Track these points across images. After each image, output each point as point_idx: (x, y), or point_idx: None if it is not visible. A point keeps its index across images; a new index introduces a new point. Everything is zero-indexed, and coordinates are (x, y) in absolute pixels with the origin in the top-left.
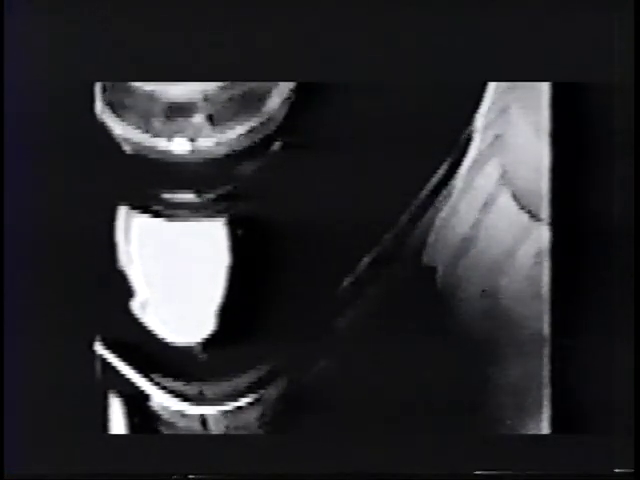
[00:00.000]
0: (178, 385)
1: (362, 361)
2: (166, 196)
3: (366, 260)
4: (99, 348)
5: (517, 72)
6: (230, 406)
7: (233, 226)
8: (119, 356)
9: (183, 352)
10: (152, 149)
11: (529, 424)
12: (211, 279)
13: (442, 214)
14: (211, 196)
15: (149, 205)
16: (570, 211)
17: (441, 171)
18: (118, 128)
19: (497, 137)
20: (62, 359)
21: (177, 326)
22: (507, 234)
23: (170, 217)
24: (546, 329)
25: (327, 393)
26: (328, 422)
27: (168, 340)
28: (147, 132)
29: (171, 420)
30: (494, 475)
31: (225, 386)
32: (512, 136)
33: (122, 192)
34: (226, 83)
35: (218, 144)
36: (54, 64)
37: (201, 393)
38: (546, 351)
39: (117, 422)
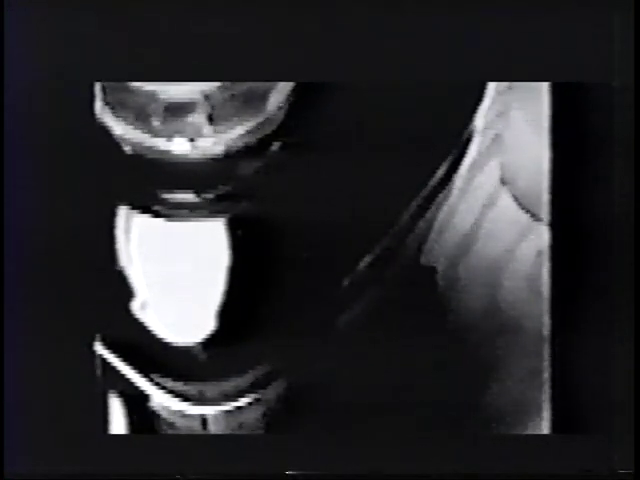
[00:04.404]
0: (178, 385)
1: (362, 361)
2: (166, 196)
3: (366, 260)
4: (99, 348)
5: (517, 72)
6: (230, 406)
7: (233, 226)
8: (119, 356)
9: (183, 352)
10: (152, 149)
11: (529, 424)
12: (211, 279)
13: (442, 214)
14: (211, 196)
15: (149, 205)
16: (570, 211)
17: (441, 171)
18: (118, 128)
19: (497, 137)
20: (62, 359)
21: (177, 326)
22: (507, 234)
23: (170, 217)
24: (546, 329)
25: (327, 393)
26: (328, 422)
27: (168, 340)
28: (147, 132)
29: (171, 420)
30: (494, 475)
31: (225, 386)
32: (512, 136)
33: (122, 192)
34: (226, 83)
35: (218, 144)
36: (54, 64)
37: (201, 393)
38: (546, 351)
39: (117, 422)
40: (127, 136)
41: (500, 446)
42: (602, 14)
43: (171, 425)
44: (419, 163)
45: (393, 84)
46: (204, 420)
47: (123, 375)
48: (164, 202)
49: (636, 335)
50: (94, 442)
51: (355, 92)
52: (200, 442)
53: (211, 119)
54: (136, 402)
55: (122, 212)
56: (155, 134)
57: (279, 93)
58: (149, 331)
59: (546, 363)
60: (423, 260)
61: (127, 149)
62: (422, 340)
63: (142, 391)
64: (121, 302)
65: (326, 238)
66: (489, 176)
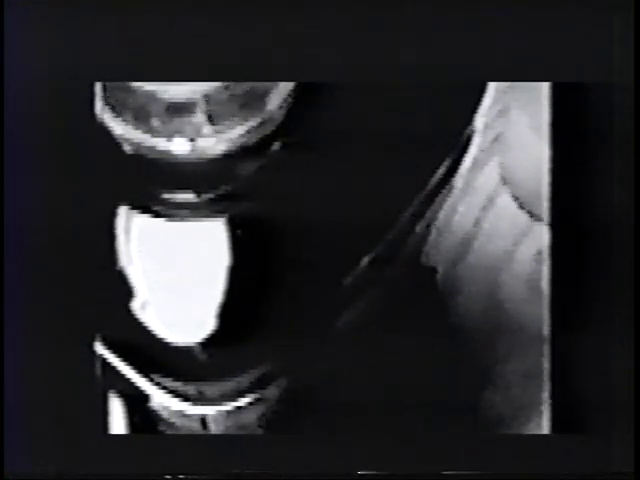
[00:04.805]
0: (178, 385)
1: (362, 361)
2: (166, 196)
3: (366, 260)
4: (99, 348)
5: (517, 72)
6: (230, 406)
7: (233, 226)
8: (119, 356)
9: (183, 352)
10: (152, 149)
11: (529, 424)
12: (211, 279)
13: (442, 214)
14: (211, 196)
15: (149, 205)
16: (570, 211)
17: (441, 171)
18: (118, 128)
19: (497, 137)
20: (62, 359)
21: (177, 326)
22: (507, 234)
23: (170, 217)
24: (546, 329)
25: (327, 393)
26: (328, 422)
27: (168, 340)
28: (147, 132)
29: (171, 420)
30: (494, 475)
31: (225, 386)
32: (512, 136)
33: (122, 192)
34: (226, 83)
35: (218, 144)
36: (54, 64)
37: (201, 393)
38: (546, 351)
39: (117, 422)
40: (127, 136)
41: (500, 446)
42: (602, 14)
43: (171, 425)
44: (419, 163)
45: (393, 84)
46: (204, 420)
47: (123, 375)
48: (164, 202)
49: (636, 335)
50: (94, 442)
51: (355, 92)
52: (200, 442)
53: (211, 119)
54: (136, 402)
55: (122, 212)
56: (155, 134)
57: (279, 93)
58: (149, 331)
59: (546, 363)
60: (423, 260)
61: (127, 149)
62: (422, 340)
63: (142, 391)
64: (121, 302)
65: (326, 238)
66: (489, 176)
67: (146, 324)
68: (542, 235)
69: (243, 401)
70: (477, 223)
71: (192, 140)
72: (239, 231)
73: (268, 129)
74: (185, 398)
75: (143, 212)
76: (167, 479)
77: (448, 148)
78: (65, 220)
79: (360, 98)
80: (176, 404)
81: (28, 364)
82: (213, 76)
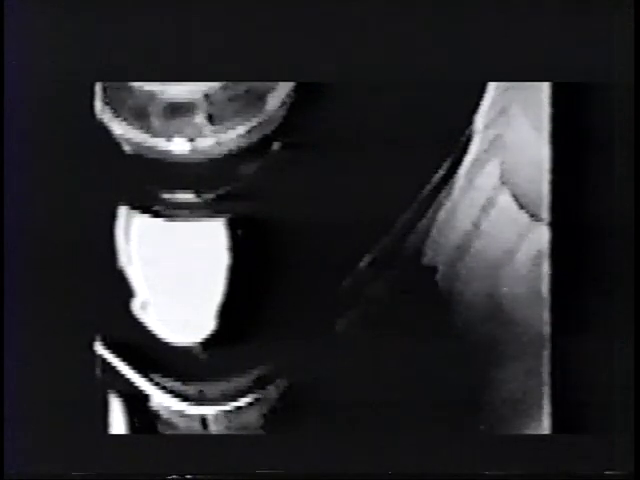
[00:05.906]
0: (178, 385)
1: (362, 361)
2: (166, 196)
3: (366, 260)
4: (99, 348)
5: (517, 72)
6: (230, 406)
7: (233, 226)
8: (119, 356)
9: (183, 352)
10: (152, 149)
11: (529, 424)
12: (211, 279)
13: (442, 214)
14: (211, 196)
15: (149, 205)
16: (570, 211)
17: (441, 171)
18: (118, 128)
19: (497, 137)
20: (62, 359)
21: (177, 326)
22: (507, 234)
23: (170, 217)
24: (546, 329)
25: (327, 393)
26: (328, 422)
27: (168, 340)
28: (147, 132)
29: (171, 420)
30: (494, 475)
31: (225, 386)
32: (512, 136)
33: (122, 192)
34: (226, 83)
35: (218, 144)
36: (54, 64)
37: (201, 393)
38: (546, 351)
39: (117, 422)
40: (127, 136)
41: (500, 446)
42: (602, 14)
43: (171, 425)
44: (419, 163)
45: (393, 84)
46: (204, 420)
47: (123, 375)
48: (164, 202)
49: (636, 335)
50: (94, 442)
51: (355, 92)
52: (200, 442)
53: (211, 119)
54: (136, 402)
55: (122, 212)
56: (155, 134)
57: (279, 93)
58: (149, 331)
59: (546, 363)
60: (423, 260)
61: (127, 149)
62: (422, 340)
63: (142, 391)
64: (121, 302)
65: (326, 238)
66: (489, 176)
67: (146, 324)
68: (542, 235)
69: (243, 401)
70: (477, 223)
71: (192, 140)
72: (239, 231)
73: (268, 129)
74: (185, 398)
75: (143, 212)
76: (169, 479)
77: (448, 148)
78: (65, 220)
79: (360, 98)
80: (176, 404)
81: (28, 364)
82: (213, 76)
